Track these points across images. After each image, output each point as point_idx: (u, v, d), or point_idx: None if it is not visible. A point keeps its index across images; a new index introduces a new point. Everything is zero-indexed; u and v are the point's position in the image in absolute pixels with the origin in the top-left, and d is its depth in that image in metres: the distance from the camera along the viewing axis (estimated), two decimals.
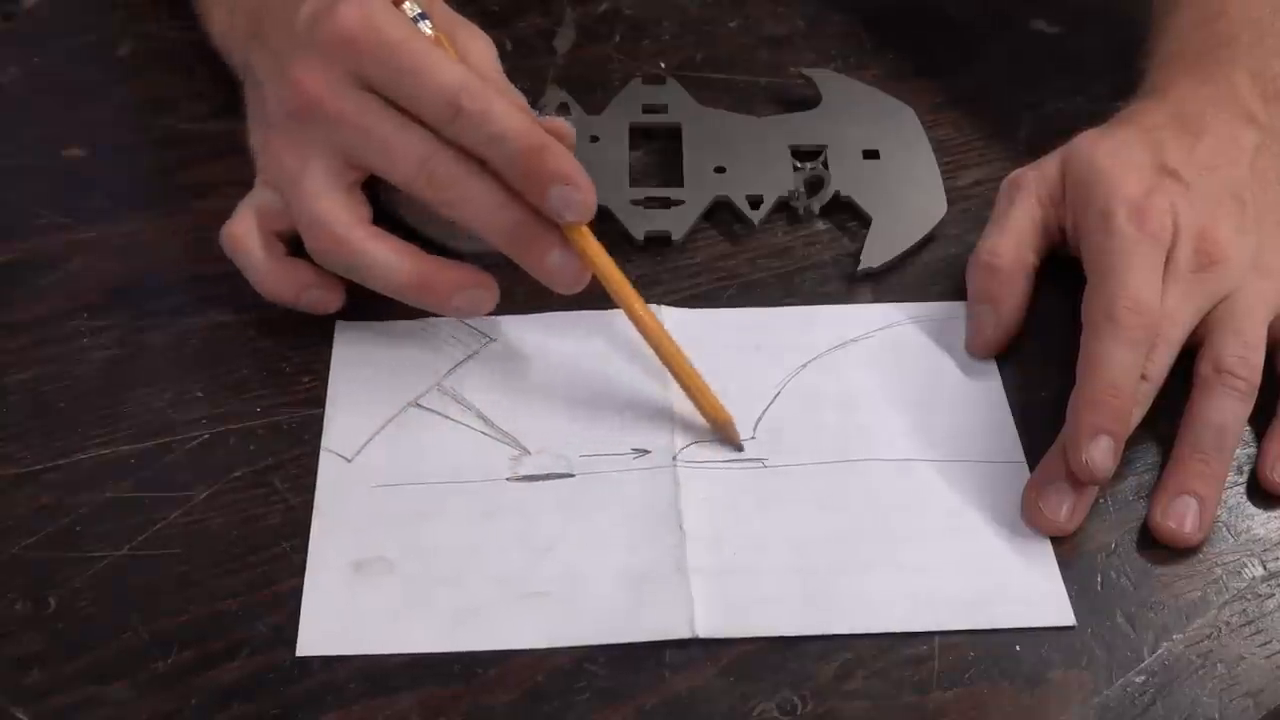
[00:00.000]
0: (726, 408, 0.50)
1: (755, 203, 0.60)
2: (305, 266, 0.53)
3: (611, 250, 0.58)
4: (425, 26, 0.52)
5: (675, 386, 0.52)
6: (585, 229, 0.51)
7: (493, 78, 0.53)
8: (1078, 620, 0.46)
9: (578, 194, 0.49)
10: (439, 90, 0.49)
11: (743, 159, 0.61)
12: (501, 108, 0.49)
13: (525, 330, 0.55)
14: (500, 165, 0.49)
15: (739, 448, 0.50)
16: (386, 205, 0.58)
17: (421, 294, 0.51)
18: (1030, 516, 0.48)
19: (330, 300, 0.53)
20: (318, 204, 0.50)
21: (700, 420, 0.51)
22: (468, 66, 0.51)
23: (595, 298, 0.56)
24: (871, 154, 0.62)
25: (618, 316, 0.55)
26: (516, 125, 0.49)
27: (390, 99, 0.50)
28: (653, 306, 0.55)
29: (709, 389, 0.50)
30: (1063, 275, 0.55)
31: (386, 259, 0.51)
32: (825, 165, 0.61)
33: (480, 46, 0.54)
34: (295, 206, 0.51)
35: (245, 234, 0.53)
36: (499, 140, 0.49)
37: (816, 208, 0.60)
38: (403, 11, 0.51)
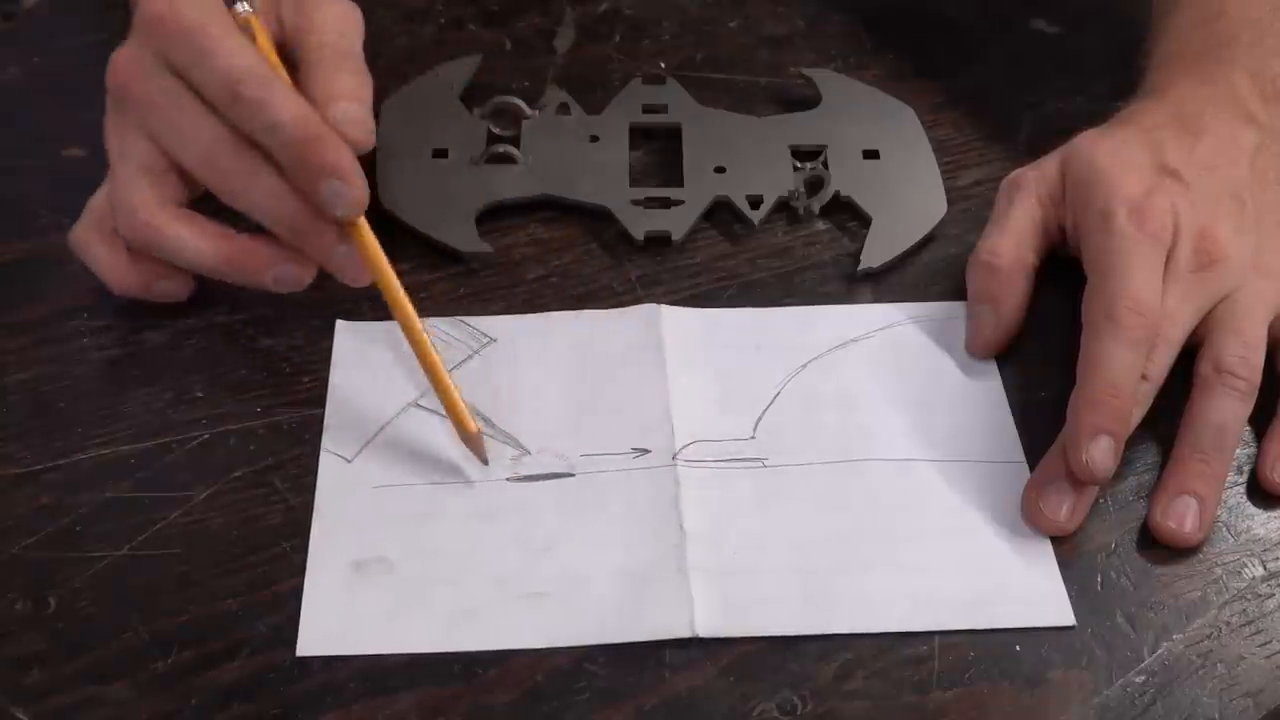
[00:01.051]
0: (474, 421, 0.50)
1: (755, 203, 0.60)
2: (150, 259, 0.53)
3: (612, 250, 0.58)
4: (241, 8, 0.52)
5: (675, 386, 0.52)
6: (362, 224, 0.51)
7: (337, 47, 0.54)
8: (1078, 620, 0.46)
9: (349, 190, 0.49)
10: (222, 75, 0.49)
11: (743, 159, 0.61)
12: (280, 97, 0.49)
13: (525, 330, 0.55)
14: (276, 154, 0.49)
15: (484, 461, 0.50)
16: (386, 205, 0.58)
17: (234, 272, 0.52)
18: (1030, 516, 0.48)
19: (179, 289, 0.54)
20: (126, 189, 0.51)
21: (701, 421, 0.51)
22: (314, 39, 0.53)
23: (595, 298, 0.56)
24: (871, 154, 0.62)
25: (617, 317, 0.55)
26: (292, 115, 0.49)
27: (188, 83, 0.50)
28: (653, 306, 0.55)
29: (461, 402, 0.50)
30: (1063, 275, 0.55)
31: (193, 240, 0.51)
32: (825, 165, 0.61)
33: (327, 15, 0.55)
34: (110, 189, 0.52)
35: (85, 235, 0.53)
36: (273, 129, 0.49)
37: (816, 208, 0.60)
38: None
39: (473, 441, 0.50)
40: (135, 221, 0.51)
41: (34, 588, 0.46)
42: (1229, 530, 0.49)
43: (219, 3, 0.52)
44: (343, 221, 0.50)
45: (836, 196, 0.60)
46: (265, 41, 0.53)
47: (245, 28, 0.52)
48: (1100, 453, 0.47)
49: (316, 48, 0.54)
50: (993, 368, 0.54)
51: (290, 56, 0.54)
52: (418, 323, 0.51)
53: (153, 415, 0.51)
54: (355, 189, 0.50)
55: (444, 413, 0.51)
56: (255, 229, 0.52)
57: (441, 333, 0.54)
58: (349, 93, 0.52)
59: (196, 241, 0.51)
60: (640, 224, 0.58)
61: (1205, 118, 0.55)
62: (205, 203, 0.53)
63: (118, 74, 0.51)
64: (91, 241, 0.53)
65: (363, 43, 0.56)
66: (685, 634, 0.45)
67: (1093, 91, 0.65)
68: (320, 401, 0.52)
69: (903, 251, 0.58)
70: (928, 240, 0.59)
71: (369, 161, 0.60)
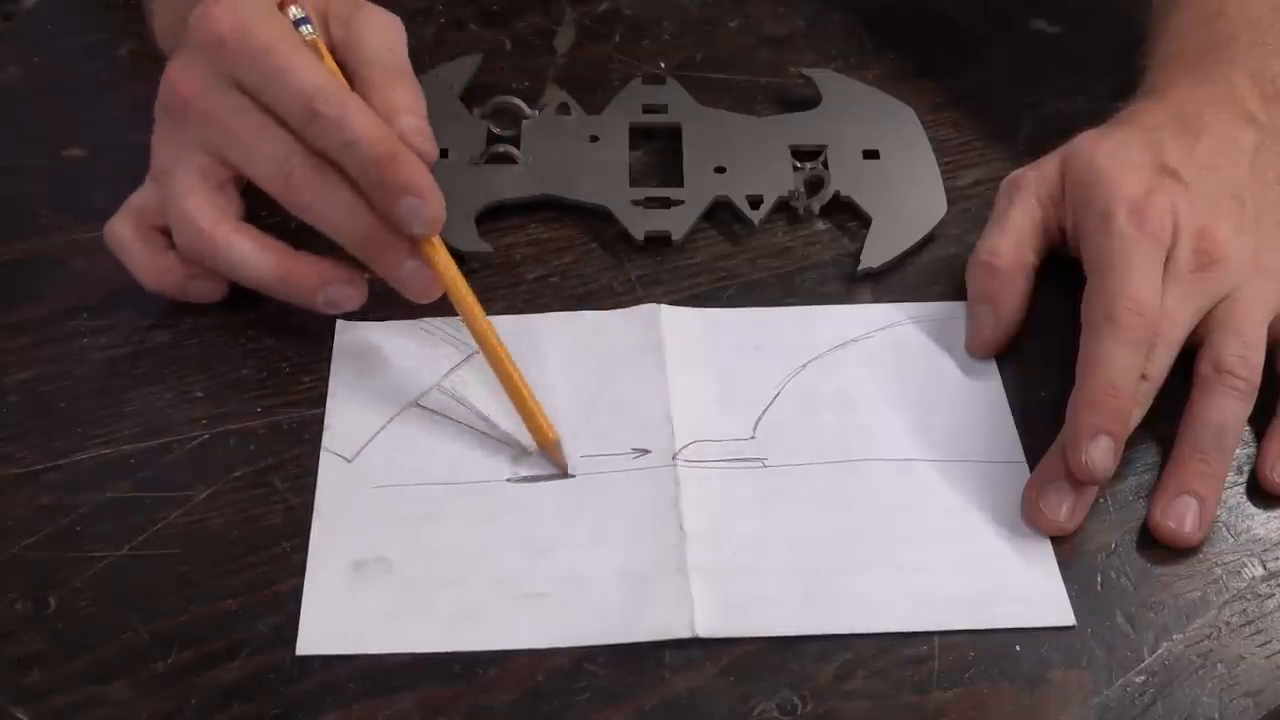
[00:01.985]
0: (555, 427, 0.50)
1: (755, 203, 0.60)
2: (187, 260, 0.53)
3: (612, 250, 0.58)
4: (306, 30, 0.52)
5: (675, 386, 0.52)
6: (436, 241, 0.51)
7: (387, 62, 0.54)
8: (1078, 620, 0.46)
9: (426, 208, 0.50)
10: (297, 93, 0.49)
11: (743, 159, 0.61)
12: (357, 114, 0.49)
13: (525, 330, 0.55)
14: (353, 172, 0.50)
15: (564, 471, 0.50)
16: None
17: (287, 289, 0.52)
18: (1030, 516, 0.48)
19: (214, 290, 0.54)
20: (186, 200, 0.51)
21: (701, 421, 0.51)
22: (365, 54, 0.53)
23: (595, 298, 0.56)
24: (871, 154, 0.62)
25: (617, 317, 0.55)
26: (370, 133, 0.49)
27: (257, 100, 0.50)
28: (653, 306, 0.55)
29: (540, 410, 0.50)
30: (1063, 275, 0.55)
31: (251, 254, 0.52)
32: (825, 165, 0.61)
33: (375, 30, 0.55)
34: (167, 201, 0.52)
35: (123, 230, 0.54)
36: (351, 146, 0.49)
37: (816, 208, 0.60)
38: (281, 14, 0.52)
39: (552, 450, 0.50)
40: (195, 231, 0.51)
41: (34, 588, 0.46)
42: (1229, 530, 0.49)
43: (285, 21, 0.52)
44: (418, 238, 0.50)
45: (836, 196, 0.60)
46: (332, 63, 0.53)
47: (312, 47, 0.52)
48: (1100, 453, 0.47)
49: (369, 63, 0.54)
50: (993, 368, 0.54)
51: (342, 72, 0.54)
52: (495, 337, 0.51)
53: (153, 415, 0.51)
54: (432, 206, 0.50)
55: (445, 413, 0.51)
56: (309, 247, 0.52)
57: (442, 333, 0.54)
58: (408, 105, 0.53)
59: (255, 255, 0.52)
60: (640, 224, 0.58)
61: (1205, 118, 0.55)
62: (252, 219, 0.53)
63: (177, 89, 0.51)
64: (128, 237, 0.53)
65: (408, 55, 0.56)
66: (685, 634, 0.45)
67: (1093, 91, 0.65)
68: (320, 401, 0.52)
69: (903, 251, 0.58)
70: (928, 240, 0.59)
71: None
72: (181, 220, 0.52)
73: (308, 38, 0.52)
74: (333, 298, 0.52)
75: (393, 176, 0.49)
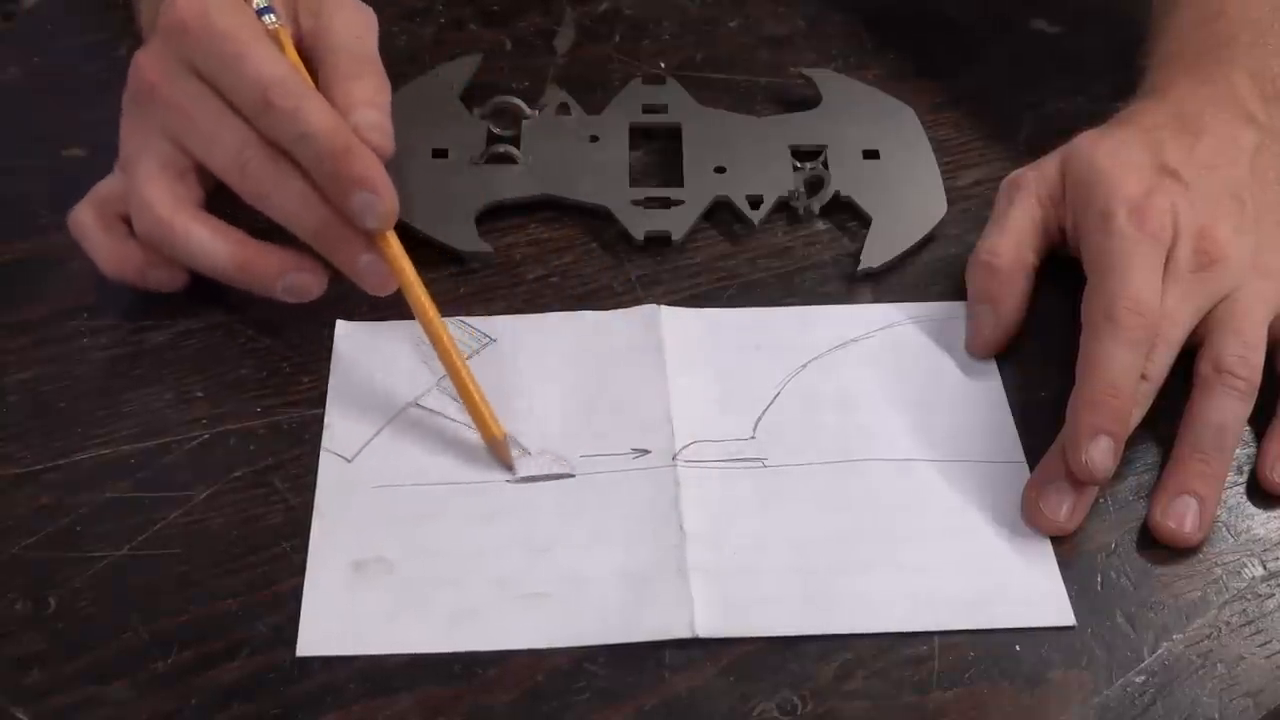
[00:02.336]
0: (498, 425, 0.50)
1: (755, 203, 0.60)
2: (147, 248, 0.53)
3: (612, 250, 0.58)
4: (269, 19, 0.52)
5: (675, 386, 0.52)
6: (390, 235, 0.51)
7: (354, 52, 0.54)
8: (1078, 620, 0.46)
9: (380, 203, 0.50)
10: (253, 82, 0.49)
11: (743, 159, 0.61)
12: (312, 107, 0.49)
13: (525, 330, 0.55)
14: (307, 164, 0.50)
15: (510, 469, 0.50)
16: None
17: (245, 277, 0.52)
18: (1030, 516, 0.48)
19: (173, 279, 0.54)
20: (145, 187, 0.52)
21: (701, 421, 0.51)
22: (331, 43, 0.53)
23: (595, 298, 0.56)
24: (871, 154, 0.62)
25: (617, 317, 0.55)
26: (324, 126, 0.49)
27: (215, 88, 0.50)
28: (653, 306, 0.55)
29: (487, 407, 0.50)
30: (1063, 275, 0.55)
31: (208, 242, 0.52)
32: (825, 165, 0.61)
33: (344, 20, 0.55)
34: (128, 188, 0.52)
35: (85, 218, 0.54)
36: (305, 139, 0.49)
37: (816, 208, 0.60)
38: (245, 3, 0.52)
39: (498, 447, 0.50)
40: (153, 218, 0.51)
41: (34, 588, 0.46)
42: (1229, 530, 0.49)
43: (249, 10, 0.52)
44: (372, 232, 0.50)
45: (836, 196, 0.60)
46: (293, 53, 0.53)
47: (274, 37, 0.52)
48: (1100, 453, 0.47)
49: (334, 51, 0.54)
50: (993, 368, 0.54)
51: (308, 62, 0.54)
52: (444, 330, 0.51)
53: (153, 415, 0.51)
54: (385, 201, 0.50)
55: (444, 413, 0.51)
56: (269, 236, 0.52)
57: None
58: (369, 99, 0.52)
59: (212, 243, 0.52)
60: (640, 224, 0.58)
61: (1205, 118, 0.55)
62: (217, 209, 0.53)
63: (143, 75, 0.51)
64: (90, 224, 0.53)
65: (377, 46, 0.56)
66: (685, 634, 0.45)
67: (1093, 91, 0.65)
68: (320, 401, 0.52)
69: (903, 251, 0.58)
70: (928, 240, 0.59)
71: None
72: (140, 207, 0.52)
73: (270, 27, 0.52)
74: (292, 284, 0.52)
75: (346, 170, 0.49)
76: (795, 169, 0.61)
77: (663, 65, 0.68)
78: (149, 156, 0.52)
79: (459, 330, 0.54)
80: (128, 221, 0.53)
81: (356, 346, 0.54)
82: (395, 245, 0.51)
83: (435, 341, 0.51)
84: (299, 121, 0.49)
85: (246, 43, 0.50)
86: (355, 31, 0.55)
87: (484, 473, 0.50)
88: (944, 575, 0.47)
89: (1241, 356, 0.50)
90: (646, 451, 0.50)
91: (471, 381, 0.50)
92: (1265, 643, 0.46)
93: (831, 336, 0.55)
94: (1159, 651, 0.45)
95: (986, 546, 0.48)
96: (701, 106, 0.64)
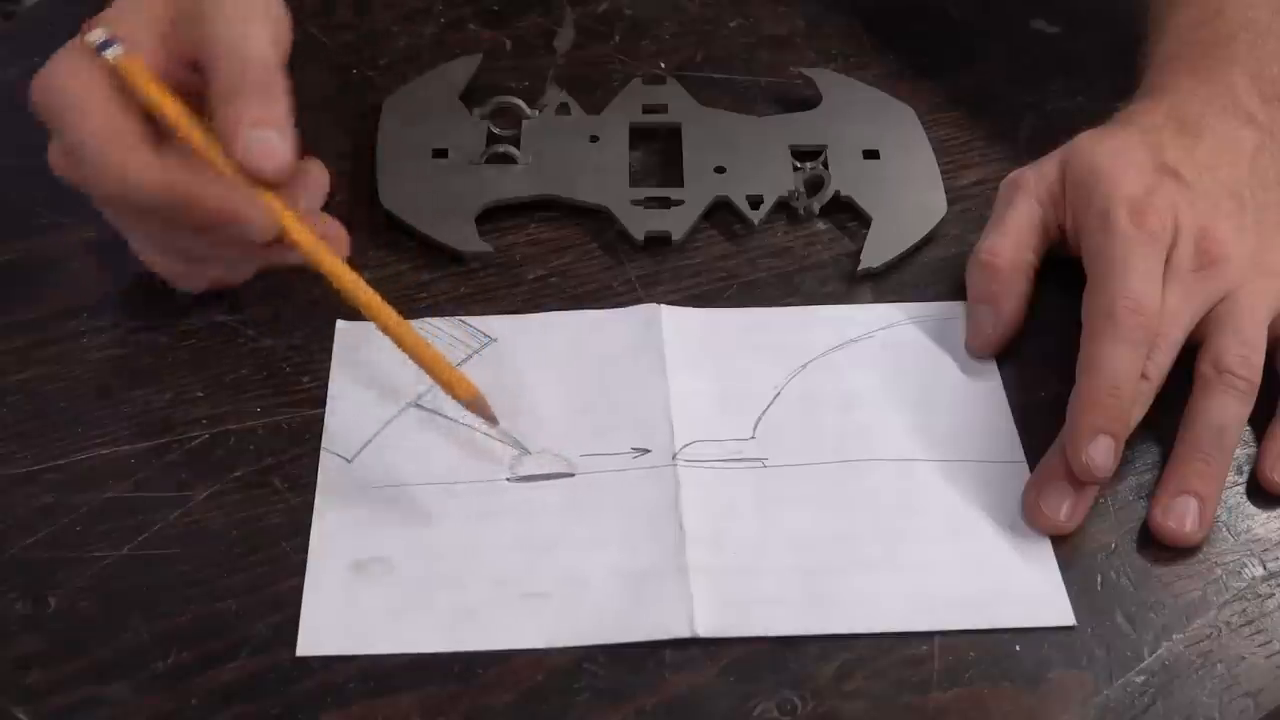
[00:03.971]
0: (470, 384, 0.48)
1: (755, 203, 0.60)
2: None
3: (612, 250, 0.58)
4: (110, 52, 0.48)
5: (675, 386, 0.52)
6: (290, 220, 0.48)
7: (241, 64, 0.48)
8: (1078, 620, 0.46)
9: (253, 229, 0.47)
10: (83, 155, 0.48)
11: (743, 159, 0.61)
12: (137, 168, 0.47)
13: (525, 330, 0.55)
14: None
15: (493, 420, 0.49)
16: (386, 205, 0.58)
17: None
18: (1030, 516, 0.48)
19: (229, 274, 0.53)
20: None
21: (702, 421, 0.51)
22: (212, 56, 0.48)
23: (595, 298, 0.56)
24: (871, 154, 0.62)
25: (617, 317, 0.55)
26: (150, 194, 0.47)
27: None
28: (653, 306, 0.55)
29: (449, 367, 0.49)
30: (1063, 275, 0.55)
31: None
32: (825, 165, 0.61)
33: (225, 23, 0.49)
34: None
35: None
36: (147, 203, 0.47)
37: (816, 208, 0.60)
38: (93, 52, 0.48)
39: (475, 406, 0.49)
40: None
41: (34, 588, 0.46)
42: (1229, 530, 0.49)
43: (88, 67, 0.48)
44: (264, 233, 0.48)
45: (836, 196, 0.60)
46: (146, 86, 0.48)
47: (121, 72, 0.48)
48: (1100, 453, 0.47)
49: (216, 64, 0.48)
50: (993, 368, 0.54)
51: (202, 72, 0.49)
52: (373, 295, 0.48)
53: (153, 415, 0.51)
54: (259, 228, 0.47)
55: (444, 413, 0.51)
56: None
57: (441, 333, 0.54)
58: (255, 117, 0.47)
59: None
60: (640, 224, 0.58)
61: (1205, 118, 0.55)
62: None
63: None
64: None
65: (282, 42, 0.50)
66: (685, 634, 0.45)
67: (1093, 91, 0.65)
68: (320, 401, 0.52)
69: (903, 251, 0.58)
70: (928, 240, 0.59)
71: (369, 162, 0.61)
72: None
73: (112, 61, 0.48)
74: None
75: (198, 216, 0.47)
76: (795, 169, 0.61)
77: (663, 65, 0.68)
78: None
79: (459, 330, 0.54)
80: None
81: (356, 346, 0.54)
82: (297, 229, 0.48)
83: (364, 306, 0.48)
84: (132, 191, 0.47)
85: (74, 109, 0.47)
86: (240, 30, 0.48)
87: (484, 472, 0.50)
88: (944, 575, 0.47)
89: (1242, 356, 0.50)
90: (646, 451, 0.50)
91: (421, 342, 0.48)
92: (1265, 643, 0.46)
93: (831, 336, 0.55)
94: (1159, 651, 0.45)
95: (986, 546, 0.48)
96: (701, 106, 0.64)
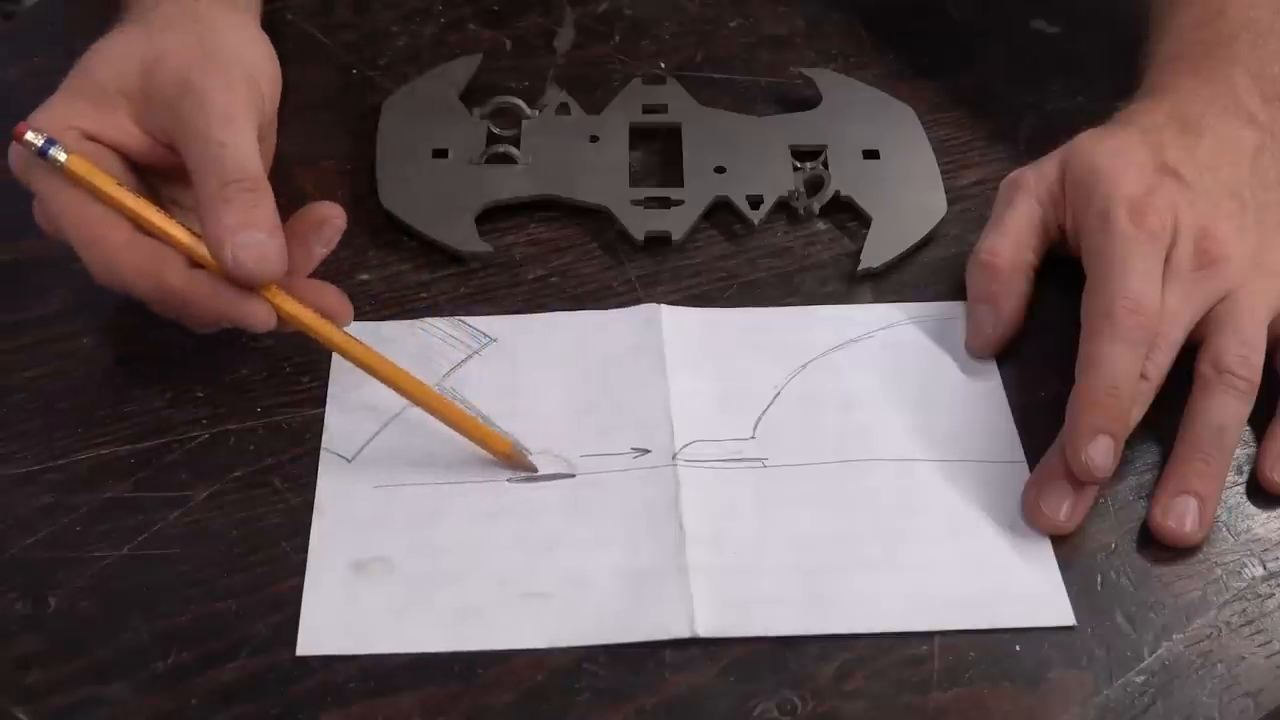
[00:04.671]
0: (501, 432, 0.50)
1: (755, 203, 0.60)
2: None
3: (612, 250, 0.58)
4: (53, 155, 0.47)
5: (675, 386, 0.52)
6: (278, 292, 0.48)
7: (219, 161, 0.47)
8: (1078, 620, 0.46)
9: (251, 321, 0.48)
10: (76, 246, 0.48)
11: (743, 159, 0.61)
12: (123, 264, 0.47)
13: (525, 330, 0.55)
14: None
15: (533, 470, 0.50)
16: (386, 205, 0.58)
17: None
18: (1030, 516, 0.48)
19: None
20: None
21: (702, 421, 0.51)
22: (192, 153, 0.47)
23: (595, 298, 0.56)
24: (871, 154, 0.62)
25: (617, 317, 0.55)
26: (146, 290, 0.47)
27: None
28: (653, 306, 0.55)
29: (482, 428, 0.50)
30: (1063, 275, 0.55)
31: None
32: (825, 165, 0.61)
33: (204, 117, 0.48)
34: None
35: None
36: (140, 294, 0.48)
37: (816, 208, 0.60)
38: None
39: (512, 458, 0.49)
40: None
41: (34, 588, 0.46)
42: (1229, 530, 0.49)
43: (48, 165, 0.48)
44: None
45: (836, 196, 0.60)
46: (94, 177, 0.47)
47: (60, 172, 0.47)
48: (1099, 453, 0.47)
49: (198, 168, 0.47)
50: (993, 368, 0.54)
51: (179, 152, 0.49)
52: (404, 375, 0.49)
53: (153, 415, 0.51)
54: (256, 323, 0.48)
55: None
56: None
57: (441, 333, 0.54)
58: (241, 222, 0.46)
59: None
60: (640, 224, 0.58)
61: (1206, 118, 0.55)
62: None
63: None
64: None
65: (269, 111, 0.51)
66: (685, 634, 0.45)
67: (1093, 91, 0.65)
68: (320, 401, 0.52)
69: (903, 251, 0.58)
70: (928, 240, 0.59)
71: (369, 162, 0.61)
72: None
73: (58, 165, 0.47)
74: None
75: (195, 314, 0.48)
76: (795, 169, 0.61)
77: (663, 65, 0.68)
78: None
79: (459, 330, 0.54)
80: None
81: None
82: (288, 302, 0.48)
83: (384, 378, 0.49)
84: (125, 286, 0.47)
85: (47, 199, 0.48)
86: (219, 143, 0.47)
87: (484, 472, 0.50)
88: (944, 575, 0.47)
89: (1242, 356, 0.50)
90: (646, 451, 0.50)
91: (457, 410, 0.49)
92: (1265, 643, 0.46)
93: (831, 336, 0.55)
94: (1159, 651, 0.45)
95: (986, 546, 0.48)
96: (701, 106, 0.64)
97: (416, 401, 0.49)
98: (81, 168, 0.48)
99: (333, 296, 0.50)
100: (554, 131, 0.62)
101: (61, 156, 0.47)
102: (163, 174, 0.51)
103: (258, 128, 0.50)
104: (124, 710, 0.43)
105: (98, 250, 0.48)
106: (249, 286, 0.47)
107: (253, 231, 0.46)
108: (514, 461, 0.49)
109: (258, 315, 0.48)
